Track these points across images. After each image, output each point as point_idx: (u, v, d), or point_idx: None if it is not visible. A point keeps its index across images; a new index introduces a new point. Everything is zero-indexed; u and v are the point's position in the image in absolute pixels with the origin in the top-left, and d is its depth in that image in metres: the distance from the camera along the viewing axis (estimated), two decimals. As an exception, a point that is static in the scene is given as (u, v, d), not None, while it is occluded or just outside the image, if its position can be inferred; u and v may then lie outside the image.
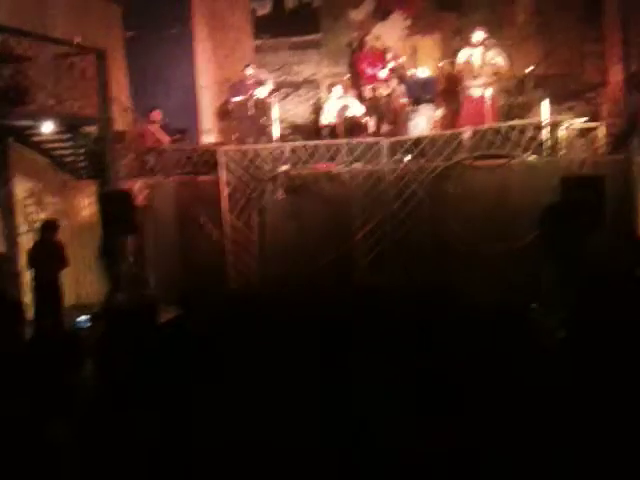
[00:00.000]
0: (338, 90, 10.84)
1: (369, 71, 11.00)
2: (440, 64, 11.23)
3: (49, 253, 8.74)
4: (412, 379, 2.18)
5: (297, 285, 7.86)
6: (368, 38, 11.27)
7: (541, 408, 2.25)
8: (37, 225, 9.33)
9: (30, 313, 8.66)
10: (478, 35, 10.14)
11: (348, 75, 11.44)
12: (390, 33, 11.70)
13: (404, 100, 10.53)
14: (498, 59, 10.14)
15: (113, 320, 5.13)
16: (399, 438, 1.89)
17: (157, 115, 11.06)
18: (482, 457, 1.90)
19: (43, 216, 10.40)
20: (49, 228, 8.95)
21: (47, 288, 8.68)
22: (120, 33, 12.20)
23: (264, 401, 1.99)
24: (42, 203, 10.55)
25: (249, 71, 11.33)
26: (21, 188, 10.18)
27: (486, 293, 7.50)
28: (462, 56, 10.27)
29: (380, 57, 11.01)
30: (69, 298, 10.31)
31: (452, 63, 10.70)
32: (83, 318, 6.18)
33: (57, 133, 10.03)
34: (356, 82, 11.39)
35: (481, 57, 10.15)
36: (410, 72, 10.92)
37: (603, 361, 2.66)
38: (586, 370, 2.66)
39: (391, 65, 10.76)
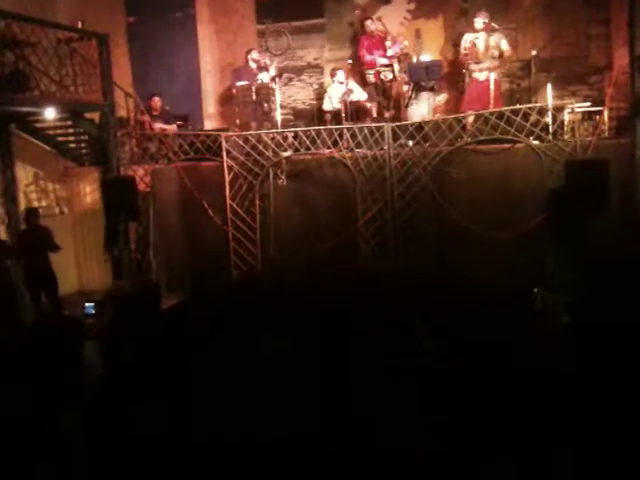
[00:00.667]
0: (340, 75, 10.77)
1: (368, 57, 10.92)
2: (446, 48, 11.16)
3: (37, 239, 8.80)
4: (414, 372, 2.17)
5: (300, 271, 7.86)
6: (368, 22, 11.17)
7: (545, 399, 2.24)
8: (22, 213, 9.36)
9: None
10: (479, 21, 10.07)
11: (350, 60, 11.36)
12: (393, 16, 11.61)
13: (408, 84, 10.46)
14: (502, 43, 10.07)
15: (116, 306, 5.13)
16: (399, 434, 1.88)
17: (156, 103, 10.98)
18: (485, 455, 1.89)
19: (45, 203, 10.42)
20: (32, 215, 8.99)
21: (39, 273, 8.75)
22: (123, 18, 12.16)
23: (264, 391, 1.98)
24: (45, 190, 10.57)
25: (252, 56, 11.28)
26: (23, 175, 10.19)
27: (490, 277, 7.50)
28: (466, 40, 10.19)
29: (381, 41, 10.93)
30: (72, 285, 10.35)
31: (456, 47, 10.62)
32: (89, 305, 6.20)
33: (59, 119, 10.04)
34: (359, 67, 11.33)
35: (485, 41, 10.07)
36: (414, 56, 10.83)
37: (608, 347, 2.65)
38: (591, 357, 2.65)
39: (391, 50, 10.68)
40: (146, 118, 10.65)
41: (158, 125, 10.80)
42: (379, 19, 11.19)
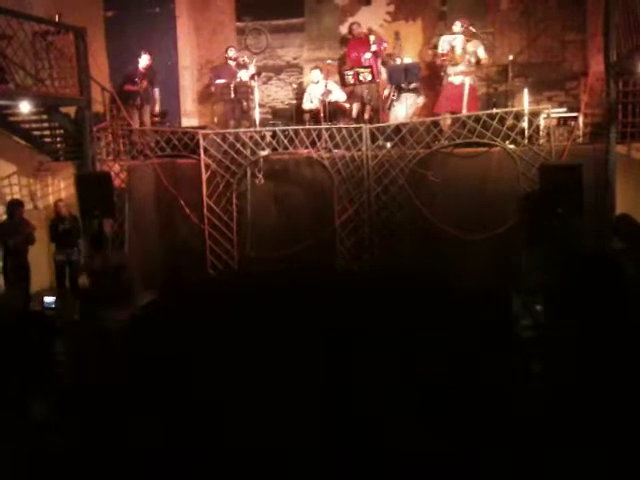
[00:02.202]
0: (316, 74, 10.76)
1: (353, 54, 10.97)
2: (424, 51, 11.23)
3: (16, 231, 8.79)
4: (393, 371, 2.17)
5: (276, 270, 7.84)
6: (355, 25, 11.22)
7: (523, 398, 2.26)
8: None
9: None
10: (457, 26, 10.14)
11: (329, 60, 11.37)
12: (373, 18, 11.67)
13: (387, 86, 10.50)
14: (479, 51, 10.12)
15: (86, 302, 5.12)
16: (378, 431, 1.89)
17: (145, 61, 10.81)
18: (470, 457, 1.90)
19: (19, 198, 10.29)
20: (15, 206, 9.04)
21: (15, 264, 8.74)
22: (100, 12, 12.05)
23: (239, 390, 1.98)
24: (18, 184, 10.44)
25: (231, 53, 11.25)
26: (-3, 169, 10.06)
27: (465, 279, 7.55)
28: (444, 42, 10.25)
29: (365, 41, 10.97)
30: (44, 281, 10.21)
31: (434, 50, 10.67)
32: (48, 299, 6.19)
33: (35, 113, 9.92)
34: (339, 67, 11.36)
35: (462, 45, 10.13)
36: (393, 58, 10.87)
37: (584, 344, 2.68)
38: (567, 355, 2.68)
39: (374, 48, 10.70)
40: (125, 114, 10.51)
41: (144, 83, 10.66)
42: (359, 25, 11.27)
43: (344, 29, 11.73)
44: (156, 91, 11.01)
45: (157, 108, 11.21)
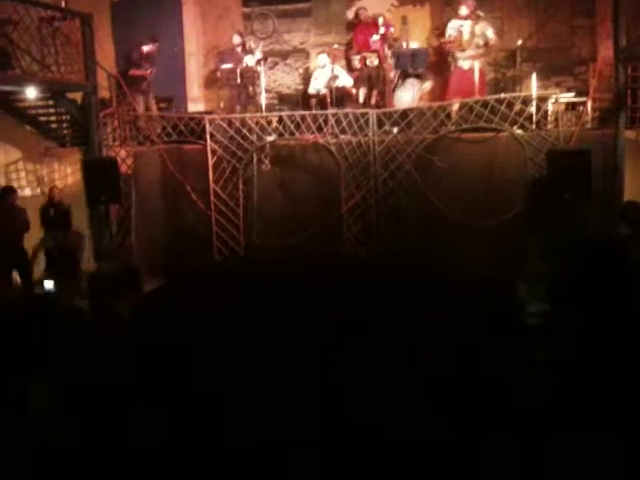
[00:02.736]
0: (323, 58, 10.71)
1: (360, 38, 10.90)
2: (431, 37, 11.16)
3: (11, 217, 8.79)
4: (397, 361, 2.17)
5: (282, 256, 7.85)
6: (361, 10, 11.15)
7: (527, 388, 2.26)
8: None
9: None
10: (464, 9, 10.07)
11: (336, 45, 11.31)
12: (381, 3, 11.58)
13: (394, 71, 10.44)
14: (488, 32, 10.07)
15: (95, 288, 5.12)
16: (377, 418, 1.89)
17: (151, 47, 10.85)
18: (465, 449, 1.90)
19: (25, 183, 10.33)
20: (8, 193, 9.03)
21: (12, 252, 8.76)
22: (106, -2, 12.00)
23: (246, 379, 1.98)
24: (25, 170, 10.46)
25: (237, 39, 11.20)
26: (3, 155, 10.07)
27: (472, 265, 7.54)
28: (451, 28, 10.18)
29: (372, 25, 10.89)
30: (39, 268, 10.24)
31: (441, 34, 10.60)
32: (50, 284, 6.20)
33: (41, 99, 9.91)
34: (346, 52, 11.29)
35: (470, 29, 10.07)
36: (401, 43, 10.80)
37: (589, 334, 2.67)
38: (572, 343, 2.67)
39: (382, 30, 10.61)
40: (131, 99, 10.50)
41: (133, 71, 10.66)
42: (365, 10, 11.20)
43: (351, 14, 11.65)
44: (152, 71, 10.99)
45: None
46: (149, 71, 10.68)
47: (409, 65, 10.02)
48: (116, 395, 1.96)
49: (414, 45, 10.70)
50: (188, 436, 1.80)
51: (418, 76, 10.25)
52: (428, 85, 10.60)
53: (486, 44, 10.14)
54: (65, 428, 2.05)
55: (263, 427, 1.79)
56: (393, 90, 10.31)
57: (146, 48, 10.73)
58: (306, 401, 1.89)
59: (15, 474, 2.10)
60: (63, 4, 9.85)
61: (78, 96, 9.99)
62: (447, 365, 2.27)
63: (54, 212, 9.39)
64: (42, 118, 10.37)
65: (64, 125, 10.56)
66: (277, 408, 1.87)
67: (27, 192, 10.07)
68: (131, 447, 1.80)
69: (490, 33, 10.10)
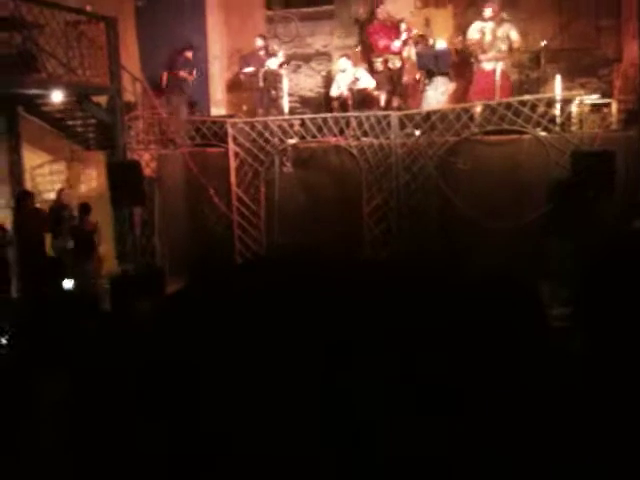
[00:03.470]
0: (343, 62, 10.71)
1: (382, 43, 10.87)
2: (455, 38, 11.10)
3: (31, 219, 8.95)
4: (414, 369, 2.17)
5: (304, 259, 7.85)
6: (379, 9, 11.12)
7: (549, 394, 2.24)
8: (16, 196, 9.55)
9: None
10: (489, 11, 10.02)
11: (358, 47, 11.31)
12: (403, 4, 11.56)
13: (417, 73, 10.41)
14: (512, 34, 10.00)
15: (119, 289, 5.19)
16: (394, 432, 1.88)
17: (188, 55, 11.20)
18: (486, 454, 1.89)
19: (51, 186, 10.45)
20: (25, 197, 9.16)
21: (34, 252, 8.87)
22: (131, 2, 12.11)
23: (263, 381, 1.99)
24: (51, 173, 10.59)
25: (260, 42, 11.25)
26: (30, 158, 10.20)
27: (494, 268, 7.49)
28: (474, 30, 10.14)
29: (394, 28, 10.87)
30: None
31: (464, 36, 10.56)
32: (69, 284, 6.26)
33: (67, 103, 10.02)
34: (367, 54, 11.28)
35: (493, 31, 10.01)
36: (424, 44, 10.76)
37: (610, 336, 2.64)
38: (593, 345, 2.65)
39: (404, 36, 10.61)
40: (155, 102, 10.62)
41: (182, 73, 11.02)
42: (387, 12, 11.18)
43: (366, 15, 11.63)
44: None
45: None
46: (192, 75, 10.96)
47: (433, 66, 9.98)
48: (124, 399, 1.98)
49: (441, 43, 10.63)
50: (194, 443, 1.81)
51: (444, 74, 10.18)
52: (451, 87, 10.55)
53: (510, 48, 10.06)
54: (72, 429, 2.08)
55: (266, 438, 1.79)
56: (421, 90, 10.26)
57: (189, 54, 10.99)
58: (313, 406, 1.90)
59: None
60: (88, 8, 9.97)
61: (103, 99, 10.10)
62: (464, 371, 2.26)
63: (62, 215, 9.46)
64: (68, 122, 10.49)
65: (90, 128, 10.67)
66: (283, 417, 1.87)
67: (52, 196, 10.18)
68: (137, 451, 1.82)
69: (514, 35, 10.03)
